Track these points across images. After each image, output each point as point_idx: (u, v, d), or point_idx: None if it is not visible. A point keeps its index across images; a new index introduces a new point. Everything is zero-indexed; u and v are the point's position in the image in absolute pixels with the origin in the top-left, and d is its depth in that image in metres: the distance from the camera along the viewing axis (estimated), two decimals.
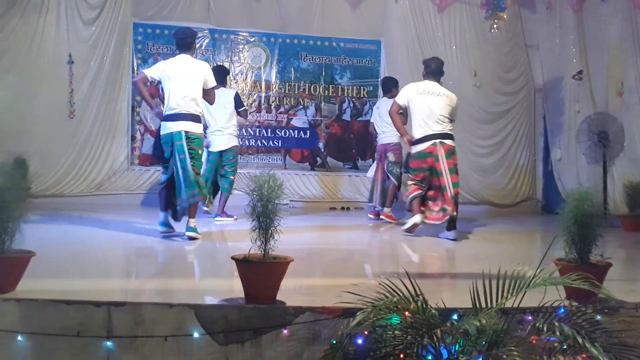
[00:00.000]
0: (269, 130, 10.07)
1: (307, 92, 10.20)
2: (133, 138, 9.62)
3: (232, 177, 7.73)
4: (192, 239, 6.02)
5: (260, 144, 10.04)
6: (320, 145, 10.26)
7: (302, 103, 10.20)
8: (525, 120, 10.64)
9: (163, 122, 6.08)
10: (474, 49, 10.36)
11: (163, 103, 6.35)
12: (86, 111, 9.33)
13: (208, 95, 6.24)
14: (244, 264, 3.58)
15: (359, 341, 2.95)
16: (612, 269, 3.93)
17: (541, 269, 3.04)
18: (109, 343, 3.27)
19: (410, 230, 6.83)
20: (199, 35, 9.72)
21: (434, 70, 6.97)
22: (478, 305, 2.96)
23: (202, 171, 6.51)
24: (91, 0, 9.37)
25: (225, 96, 7.62)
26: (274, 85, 10.10)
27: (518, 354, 2.69)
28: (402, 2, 10.12)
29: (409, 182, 6.91)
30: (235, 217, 7.57)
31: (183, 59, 6.17)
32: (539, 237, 7.97)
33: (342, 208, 9.93)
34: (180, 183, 5.94)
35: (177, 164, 5.92)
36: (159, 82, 6.31)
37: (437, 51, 10.26)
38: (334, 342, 3.06)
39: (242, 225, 6.10)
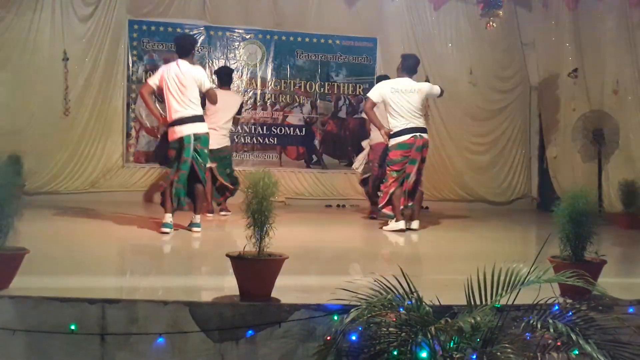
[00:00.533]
0: (265, 127, 10.06)
1: (302, 90, 10.19)
2: (128, 135, 9.60)
3: (233, 174, 8.10)
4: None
5: (255, 141, 10.02)
6: (316, 142, 10.26)
7: (297, 100, 10.19)
8: (520, 118, 10.66)
9: (171, 127, 6.23)
10: (470, 47, 10.36)
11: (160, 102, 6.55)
12: (81, 108, 9.30)
13: (209, 96, 6.40)
14: (239, 261, 3.58)
15: (353, 338, 2.95)
16: (606, 267, 3.94)
17: (536, 266, 3.05)
18: (103, 340, 3.26)
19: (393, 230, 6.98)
20: (195, 32, 9.75)
21: (410, 66, 7.18)
22: (472, 303, 2.97)
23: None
24: None
25: (231, 100, 8.00)
26: (269, 83, 10.09)
27: (512, 351, 2.70)
28: None
29: (389, 176, 7.04)
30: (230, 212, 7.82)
31: (181, 64, 6.28)
32: (534, 235, 7.99)
33: (338, 205, 9.92)
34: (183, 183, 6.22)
35: (182, 167, 6.16)
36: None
37: (433, 49, 10.30)
38: (328, 339, 3.06)
39: (237, 222, 6.10)
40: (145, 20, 9.66)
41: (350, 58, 10.29)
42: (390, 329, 2.86)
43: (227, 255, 3.62)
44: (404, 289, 2.98)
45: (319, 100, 10.25)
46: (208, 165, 6.63)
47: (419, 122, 7.02)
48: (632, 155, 8.70)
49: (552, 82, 10.09)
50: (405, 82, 7.07)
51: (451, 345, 2.80)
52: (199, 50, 9.70)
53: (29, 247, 3.72)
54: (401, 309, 2.88)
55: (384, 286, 2.99)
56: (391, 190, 6.98)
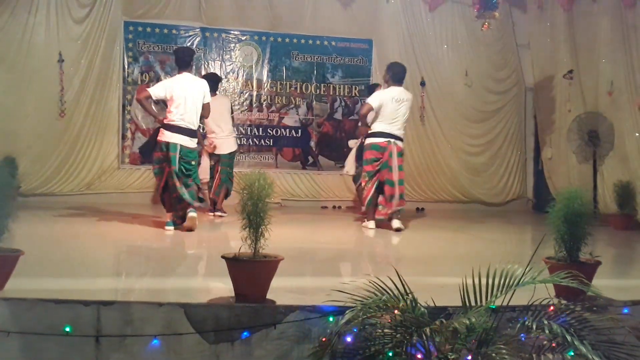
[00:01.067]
0: (261, 129, 10.06)
1: (298, 91, 10.19)
2: (123, 137, 9.58)
3: (232, 178, 8.27)
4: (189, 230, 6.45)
5: (251, 143, 10.02)
6: (312, 144, 10.26)
7: (293, 102, 10.19)
8: (515, 119, 10.68)
9: (162, 129, 6.54)
10: (465, 48, 10.38)
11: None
12: (76, 110, 9.27)
13: (204, 109, 6.70)
14: (234, 263, 3.57)
15: (348, 339, 2.96)
16: (601, 268, 3.95)
17: (531, 267, 3.06)
18: (98, 342, 3.26)
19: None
20: (190, 33, 9.76)
21: (400, 76, 7.43)
22: (468, 304, 2.97)
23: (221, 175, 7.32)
24: None
25: (225, 104, 8.20)
26: (265, 84, 10.08)
27: (507, 352, 2.71)
28: (393, 1, 10.11)
29: (363, 182, 7.37)
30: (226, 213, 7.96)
31: (185, 77, 6.64)
32: (529, 236, 8.00)
33: (334, 207, 9.93)
34: (178, 186, 6.42)
35: (168, 175, 6.45)
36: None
37: (428, 50, 10.32)
38: (324, 340, 3.06)
39: (232, 223, 6.10)
40: (140, 22, 9.64)
41: (345, 59, 10.30)
42: (385, 331, 2.87)
43: (223, 257, 3.62)
44: (399, 290, 2.98)
45: (314, 102, 10.25)
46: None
47: (399, 132, 7.32)
48: (626, 157, 8.73)
49: (547, 84, 10.11)
50: (401, 92, 7.34)
51: (446, 347, 2.80)
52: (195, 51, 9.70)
53: (23, 249, 3.71)
54: (396, 311, 2.88)
55: (379, 287, 2.99)
56: (368, 198, 7.30)
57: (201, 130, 7.76)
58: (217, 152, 8.04)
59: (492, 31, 9.55)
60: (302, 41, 10.17)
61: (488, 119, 10.56)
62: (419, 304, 2.95)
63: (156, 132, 6.80)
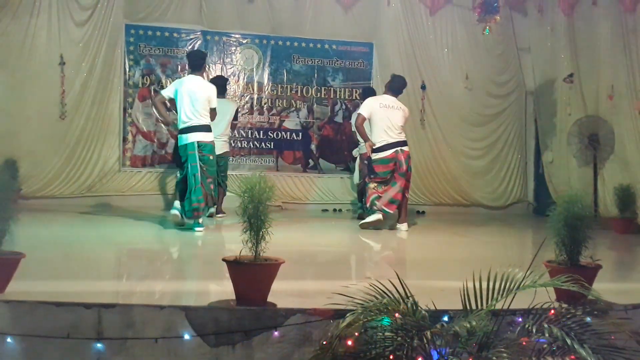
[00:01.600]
0: (261, 132, 10.07)
1: (299, 94, 10.20)
2: (125, 140, 9.59)
3: (226, 181, 8.46)
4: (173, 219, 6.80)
5: (252, 146, 10.03)
6: (313, 147, 10.27)
7: (294, 105, 10.20)
8: (516, 123, 10.68)
9: (179, 134, 6.91)
10: (466, 52, 10.39)
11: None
12: (77, 112, 9.29)
13: (211, 114, 6.95)
14: (235, 266, 3.58)
15: (349, 342, 2.95)
16: (601, 271, 3.95)
17: (531, 271, 3.06)
18: (99, 345, 3.26)
19: (369, 225, 7.42)
20: (191, 37, 9.78)
21: (396, 87, 7.71)
22: (468, 307, 2.97)
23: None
24: (83, 2, 9.33)
25: (227, 107, 8.21)
26: (266, 87, 10.10)
27: (508, 356, 2.70)
28: (394, 4, 10.15)
29: (371, 186, 7.51)
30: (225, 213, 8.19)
31: (194, 79, 6.94)
32: (530, 239, 8.00)
33: (334, 210, 9.93)
34: (190, 187, 6.69)
35: (189, 170, 6.71)
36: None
37: (429, 54, 10.33)
38: (324, 343, 3.06)
39: (233, 226, 6.10)
40: (141, 25, 9.67)
41: (346, 63, 10.31)
42: (386, 334, 2.86)
43: (224, 260, 3.62)
44: (399, 293, 2.98)
45: (315, 105, 10.26)
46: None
47: (400, 137, 7.49)
48: (627, 160, 8.73)
49: (548, 87, 10.12)
50: (390, 99, 7.58)
51: (447, 350, 2.80)
52: None
53: (25, 252, 3.72)
54: (397, 314, 2.88)
55: (380, 291, 2.99)
56: (372, 197, 7.44)
57: None
58: None
59: (493, 35, 9.55)
60: (303, 44, 10.19)
61: (488, 123, 10.57)
62: (419, 307, 2.95)
63: (177, 139, 7.15)
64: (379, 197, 7.43)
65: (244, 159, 9.97)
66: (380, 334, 2.88)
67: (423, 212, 10.04)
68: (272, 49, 10.08)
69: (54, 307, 3.30)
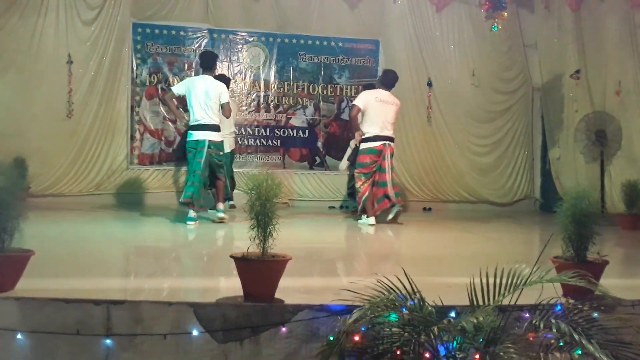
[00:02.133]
0: (268, 129, 10.09)
1: (305, 92, 10.21)
2: (132, 138, 9.63)
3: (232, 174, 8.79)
4: (220, 220, 7.20)
5: (259, 144, 10.05)
6: (319, 144, 10.28)
7: (300, 102, 10.21)
8: (523, 119, 10.66)
9: (190, 130, 7.13)
10: (472, 48, 10.38)
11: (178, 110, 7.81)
12: (85, 111, 9.34)
13: (223, 109, 7.19)
14: (243, 262, 3.59)
15: (356, 338, 2.97)
16: (609, 267, 3.94)
17: (538, 266, 3.06)
18: (108, 341, 3.28)
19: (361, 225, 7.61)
20: (198, 35, 9.80)
21: (389, 82, 7.81)
22: (475, 303, 2.98)
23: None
24: (90, 1, 9.38)
25: (232, 105, 8.31)
26: (272, 85, 10.11)
27: (515, 351, 2.71)
28: (400, 1, 10.13)
29: (358, 182, 7.61)
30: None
31: (207, 78, 7.16)
32: (537, 236, 7.99)
33: (341, 207, 9.94)
34: (188, 180, 7.06)
35: (192, 166, 7.02)
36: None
37: (435, 50, 10.32)
38: (332, 338, 3.07)
39: (240, 223, 6.12)
40: (149, 24, 9.70)
41: (352, 60, 10.32)
42: (393, 329, 2.87)
43: (231, 256, 3.63)
44: (406, 289, 2.99)
45: (321, 102, 10.27)
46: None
47: (389, 133, 7.65)
48: (634, 156, 8.70)
49: (555, 84, 10.10)
50: (385, 94, 7.69)
51: (454, 346, 2.81)
52: None
53: (34, 249, 3.74)
54: (404, 310, 2.89)
55: (387, 287, 3.00)
56: (364, 197, 7.56)
57: None
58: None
59: (500, 31, 9.54)
60: (309, 42, 10.19)
61: (495, 119, 10.56)
62: (426, 303, 2.96)
63: (184, 134, 7.45)
64: (367, 199, 7.55)
65: (251, 156, 9.99)
66: (388, 329, 2.89)
67: (429, 209, 10.04)
68: (279, 46, 10.09)
69: (63, 304, 3.32)
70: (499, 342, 2.81)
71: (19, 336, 3.24)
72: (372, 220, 7.55)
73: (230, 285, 3.82)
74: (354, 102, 7.79)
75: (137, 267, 5.29)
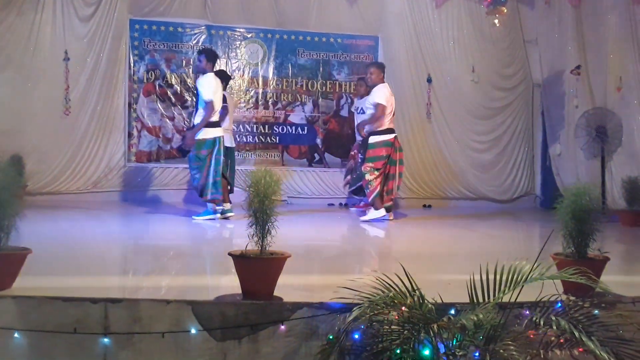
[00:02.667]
0: (267, 126, 10.06)
1: (304, 88, 10.18)
2: (130, 135, 9.60)
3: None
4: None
5: (257, 141, 10.02)
6: (318, 141, 10.25)
7: (299, 99, 10.18)
8: (523, 116, 10.63)
9: (208, 127, 7.22)
10: (472, 45, 10.34)
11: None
12: (82, 108, 9.30)
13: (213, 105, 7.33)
14: (241, 260, 3.57)
15: (356, 336, 2.95)
16: (609, 264, 3.93)
17: (538, 263, 3.04)
18: (106, 340, 3.26)
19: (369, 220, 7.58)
20: (196, 31, 9.77)
21: (384, 73, 7.89)
22: (475, 300, 2.96)
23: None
24: None
25: (231, 101, 8.50)
26: (271, 82, 10.08)
27: (515, 349, 2.70)
28: None
29: (371, 176, 7.54)
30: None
31: (214, 76, 7.39)
32: (537, 232, 7.97)
33: (340, 204, 9.92)
34: (215, 177, 7.24)
35: (215, 163, 7.22)
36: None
37: (435, 47, 10.28)
38: (331, 337, 3.05)
39: (239, 221, 6.10)
40: (146, 20, 9.66)
41: (351, 56, 10.28)
42: (393, 327, 2.86)
43: (230, 254, 3.62)
44: (406, 287, 2.97)
45: (320, 99, 10.24)
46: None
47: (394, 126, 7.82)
48: (635, 152, 8.68)
49: (555, 80, 10.06)
50: (389, 88, 7.80)
51: (454, 343, 2.80)
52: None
53: (31, 247, 3.72)
54: (403, 307, 2.88)
55: (387, 284, 2.99)
56: (376, 192, 7.52)
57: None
58: (227, 145, 8.15)
59: (500, 27, 9.53)
60: (308, 38, 10.16)
61: (495, 116, 10.53)
62: (426, 301, 2.94)
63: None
64: (379, 195, 7.54)
65: (250, 153, 9.97)
66: (387, 327, 2.87)
67: (429, 206, 10.02)
68: (277, 43, 10.06)
69: (61, 302, 3.31)
70: (499, 339, 2.80)
71: (15, 335, 3.23)
72: (383, 212, 7.55)
73: (229, 283, 3.81)
74: (379, 102, 7.60)
75: (135, 265, 5.28)
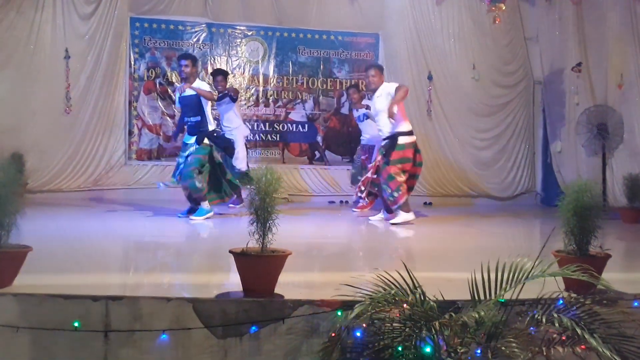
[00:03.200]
0: (267, 124, 10.06)
1: (305, 86, 10.17)
2: (130, 133, 9.59)
3: None
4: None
5: (258, 138, 10.02)
6: (319, 139, 10.24)
7: (300, 97, 10.17)
8: (524, 113, 10.62)
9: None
10: (473, 42, 10.32)
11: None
12: (83, 106, 9.29)
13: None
14: (242, 258, 3.57)
15: (357, 334, 2.95)
16: (611, 261, 3.92)
17: (540, 260, 3.04)
18: (107, 337, 3.26)
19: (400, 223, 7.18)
20: (196, 29, 9.76)
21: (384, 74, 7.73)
22: (477, 297, 2.96)
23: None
24: None
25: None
26: (271, 79, 10.07)
27: (517, 346, 2.69)
28: None
29: (401, 178, 7.15)
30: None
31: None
32: (538, 230, 7.96)
33: (341, 202, 9.92)
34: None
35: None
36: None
37: (436, 44, 10.27)
38: (333, 334, 3.05)
39: (240, 218, 6.10)
40: (146, 18, 9.65)
41: (352, 54, 10.27)
42: (395, 325, 2.86)
43: (231, 252, 3.61)
44: (407, 284, 2.97)
45: (321, 97, 10.23)
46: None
47: None
48: (636, 150, 8.67)
49: (556, 77, 10.05)
50: None
51: (455, 340, 2.79)
52: (201, 48, 9.74)
53: (32, 245, 3.72)
54: (405, 305, 2.87)
55: (388, 282, 2.98)
56: (406, 197, 7.19)
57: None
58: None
59: (500, 24, 9.50)
60: (309, 36, 10.15)
61: (496, 113, 10.51)
62: (427, 298, 2.94)
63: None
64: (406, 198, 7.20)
65: (250, 151, 9.93)
66: (389, 324, 2.87)
67: (430, 203, 10.01)
68: (278, 40, 10.05)
69: (62, 300, 3.30)
70: (500, 336, 2.79)
71: (17, 332, 3.22)
72: (412, 215, 7.22)
73: (230, 280, 3.81)
74: (399, 84, 7.38)
75: (136, 262, 5.28)
